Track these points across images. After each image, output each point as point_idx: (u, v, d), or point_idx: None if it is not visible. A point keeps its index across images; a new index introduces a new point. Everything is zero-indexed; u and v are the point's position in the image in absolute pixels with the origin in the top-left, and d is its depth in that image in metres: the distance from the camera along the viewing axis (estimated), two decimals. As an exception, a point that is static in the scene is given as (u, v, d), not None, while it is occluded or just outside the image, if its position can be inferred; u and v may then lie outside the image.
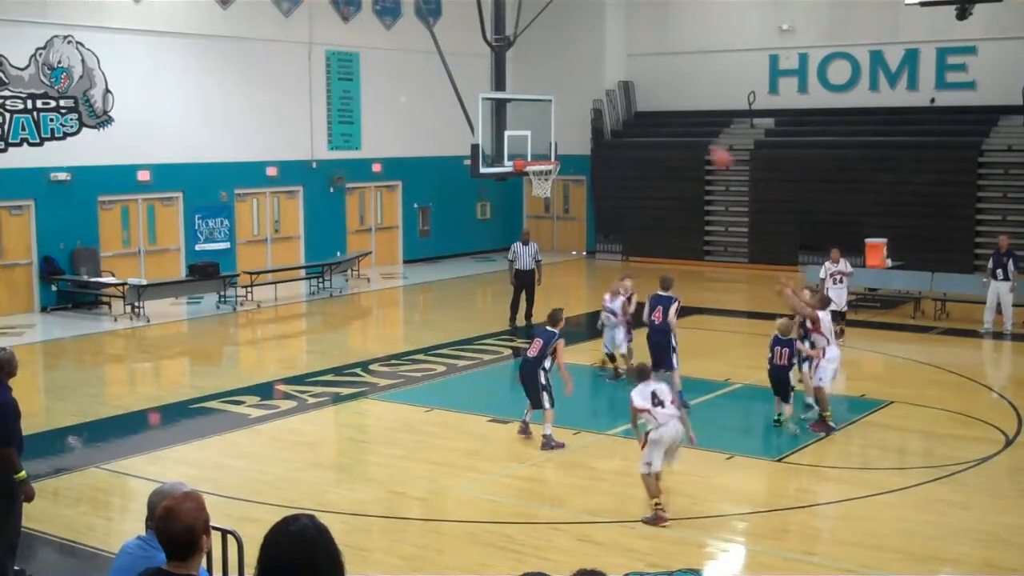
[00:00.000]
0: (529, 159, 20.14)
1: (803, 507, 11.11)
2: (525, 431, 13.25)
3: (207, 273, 23.24)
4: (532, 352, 13.22)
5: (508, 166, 19.71)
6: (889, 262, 23.70)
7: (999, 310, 20.32)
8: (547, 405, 12.95)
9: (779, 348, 13.42)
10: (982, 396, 15.51)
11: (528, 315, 21.01)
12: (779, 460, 12.53)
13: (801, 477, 12.11)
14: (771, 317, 19.92)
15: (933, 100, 29.55)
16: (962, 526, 10.54)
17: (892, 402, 14.92)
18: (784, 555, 9.79)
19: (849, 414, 14.37)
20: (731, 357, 18.27)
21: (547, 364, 13.10)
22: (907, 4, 25.01)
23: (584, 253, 32.72)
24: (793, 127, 30.92)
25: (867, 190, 28.00)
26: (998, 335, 20.12)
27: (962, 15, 23.78)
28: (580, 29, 32.55)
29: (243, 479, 11.86)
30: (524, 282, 21.00)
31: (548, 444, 12.86)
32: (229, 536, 7.95)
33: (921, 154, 27.94)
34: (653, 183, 30.98)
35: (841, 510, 10.90)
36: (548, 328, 13.44)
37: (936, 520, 10.66)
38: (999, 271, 20.31)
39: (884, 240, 23.96)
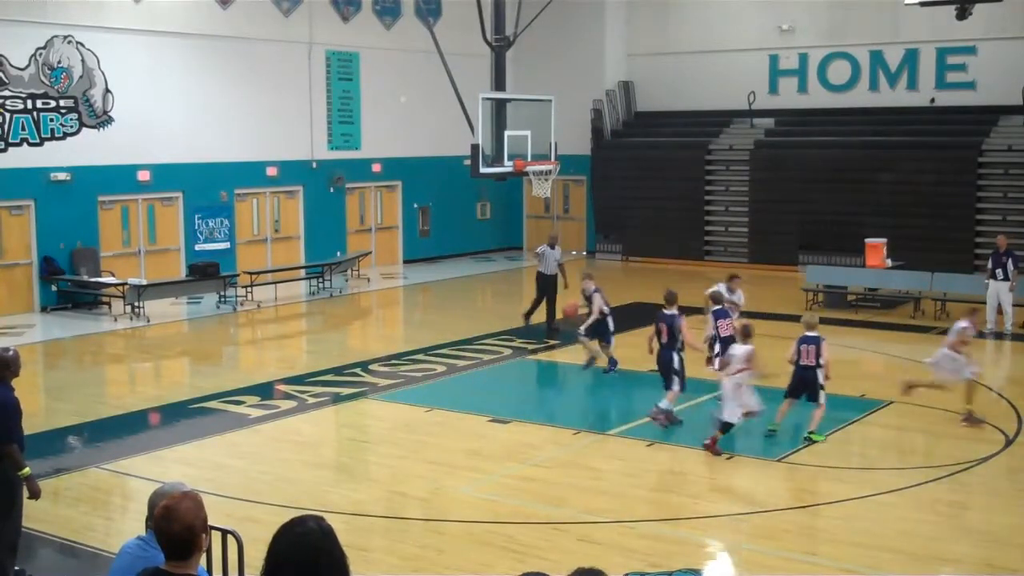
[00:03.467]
0: (529, 159, 20.14)
1: (803, 507, 11.11)
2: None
3: (207, 273, 23.24)
4: (664, 338, 13.78)
5: (508, 166, 19.71)
6: (889, 262, 23.69)
7: (1000, 310, 20.35)
8: (675, 387, 13.71)
9: (805, 347, 13.10)
10: (982, 396, 15.50)
11: (550, 322, 20.44)
12: (779, 460, 12.52)
13: (801, 477, 12.10)
14: (771, 318, 20.07)
15: (933, 100, 29.55)
16: (961, 526, 10.57)
17: (892, 402, 14.91)
18: (784, 555, 9.80)
19: (849, 414, 14.36)
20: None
21: (679, 346, 13.77)
22: (907, 4, 25.00)
23: (584, 253, 32.72)
24: (793, 127, 30.92)
25: (867, 190, 28.00)
26: (999, 335, 20.13)
27: (962, 15, 23.76)
28: (580, 29, 32.57)
29: (243, 479, 11.87)
30: (548, 286, 20.57)
31: (657, 416, 13.56)
32: (229, 536, 7.95)
33: (921, 154, 27.94)
34: (653, 183, 31.00)
35: (841, 510, 10.90)
36: (666, 312, 13.90)
37: (936, 520, 10.68)
38: (999, 271, 20.32)
39: (884, 240, 23.96)
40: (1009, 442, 13.17)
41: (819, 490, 11.78)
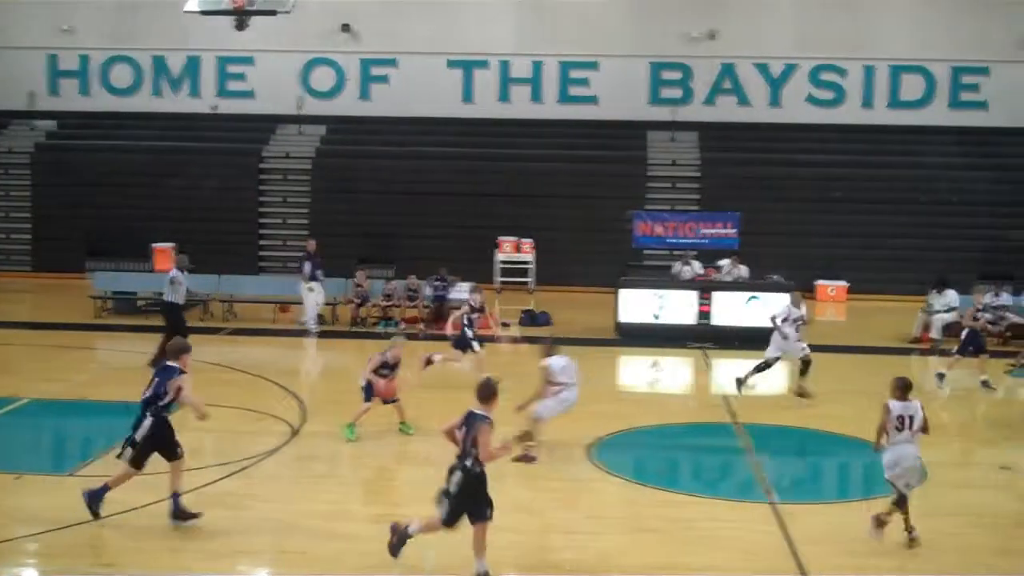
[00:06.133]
0: None
1: (115, 515, 10.76)
2: None
3: None
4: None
5: None
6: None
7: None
8: None
9: None
10: (269, 391, 16.24)
11: None
12: (70, 475, 12.05)
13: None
14: (58, 328, 19.31)
15: (215, 108, 30.38)
16: (255, 517, 10.95)
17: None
18: (88, 571, 9.47)
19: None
20: (20, 371, 17.33)
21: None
22: (186, 12, 25.31)
23: None
24: (79, 130, 30.01)
25: (158, 195, 28.06)
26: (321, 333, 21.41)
27: (240, 26, 24.63)
28: None
29: None
30: None
31: None
32: None
33: (206, 160, 28.63)
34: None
35: (147, 515, 10.75)
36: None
37: (232, 515, 10.94)
38: (317, 272, 21.58)
39: (173, 244, 24.17)
40: (295, 433, 13.95)
41: (117, 499, 11.48)
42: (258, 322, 21.87)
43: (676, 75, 31.11)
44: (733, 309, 21.14)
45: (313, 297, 21.72)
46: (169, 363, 10.69)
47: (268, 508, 11.22)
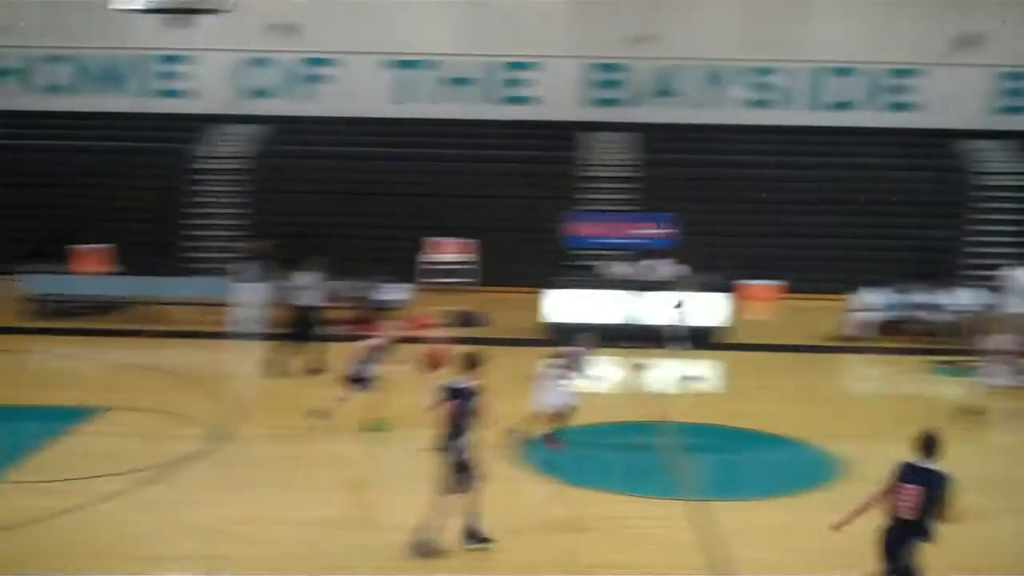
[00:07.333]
0: None
1: (37, 522, 10.61)
2: None
3: None
4: None
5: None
6: (109, 268, 23.68)
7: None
8: None
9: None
10: (196, 394, 16.09)
11: None
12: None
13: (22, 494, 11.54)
14: None
15: (151, 107, 30.12)
16: (180, 523, 10.86)
17: (110, 408, 14.89)
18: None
19: (59, 425, 14.03)
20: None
21: None
22: (112, 9, 24.97)
23: None
24: (7, 129, 29.53)
25: (88, 195, 27.68)
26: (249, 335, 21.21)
27: (178, 24, 24.35)
28: None
29: None
30: None
31: None
32: None
33: (139, 160, 28.34)
34: None
35: (69, 521, 10.63)
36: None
37: (155, 521, 10.85)
38: (256, 275, 21.37)
39: (104, 246, 23.89)
40: (220, 437, 13.82)
41: (24, 506, 11.26)
42: (187, 324, 21.61)
43: (614, 76, 31.25)
44: (665, 309, 21.27)
45: (251, 300, 21.52)
46: (462, 383, 10.20)
47: (194, 513, 11.14)
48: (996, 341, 15.26)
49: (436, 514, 9.93)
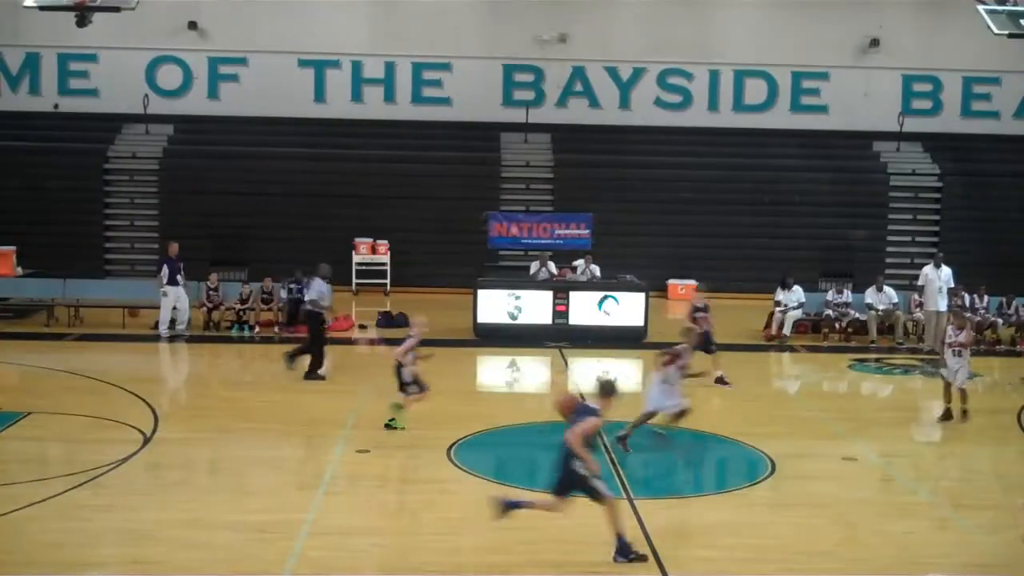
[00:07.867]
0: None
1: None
2: None
3: None
4: None
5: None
6: (20, 270, 23.17)
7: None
8: None
9: None
10: (119, 398, 15.81)
11: None
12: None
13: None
14: None
15: (56, 106, 29.48)
16: (106, 528, 10.66)
17: (29, 413, 14.57)
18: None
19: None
20: None
21: None
22: (26, 7, 24.48)
23: None
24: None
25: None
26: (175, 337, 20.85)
27: (82, 22, 23.93)
28: None
29: None
30: None
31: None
32: None
33: (48, 160, 27.74)
34: None
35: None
36: None
37: (81, 527, 10.64)
38: (178, 276, 20.99)
39: (13, 248, 23.37)
40: (147, 440, 13.61)
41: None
42: (106, 327, 21.21)
43: (528, 77, 31.37)
44: (588, 309, 21.46)
45: (169, 302, 21.19)
46: (590, 404, 10.34)
47: (120, 518, 10.93)
48: (947, 336, 15.46)
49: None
